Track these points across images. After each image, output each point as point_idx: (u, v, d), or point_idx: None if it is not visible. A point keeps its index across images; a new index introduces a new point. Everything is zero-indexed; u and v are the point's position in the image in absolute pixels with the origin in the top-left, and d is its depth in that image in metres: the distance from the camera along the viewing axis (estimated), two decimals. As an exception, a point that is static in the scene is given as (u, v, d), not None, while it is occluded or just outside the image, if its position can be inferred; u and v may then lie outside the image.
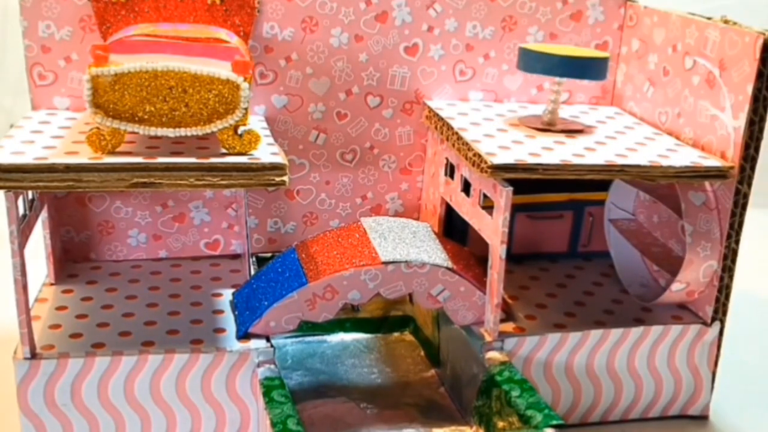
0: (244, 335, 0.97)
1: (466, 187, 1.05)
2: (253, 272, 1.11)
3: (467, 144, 1.01)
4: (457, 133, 1.05)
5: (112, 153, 0.88)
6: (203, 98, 0.87)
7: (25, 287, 0.89)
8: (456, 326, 1.04)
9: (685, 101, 1.08)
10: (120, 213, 1.16)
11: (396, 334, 1.21)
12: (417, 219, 1.23)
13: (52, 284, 1.10)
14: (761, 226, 1.40)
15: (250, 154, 0.91)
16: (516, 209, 1.08)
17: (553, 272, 1.21)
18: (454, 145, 1.05)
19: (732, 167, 0.99)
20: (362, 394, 1.06)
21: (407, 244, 1.01)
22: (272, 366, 0.95)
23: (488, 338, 0.99)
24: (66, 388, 0.92)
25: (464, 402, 1.03)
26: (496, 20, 1.18)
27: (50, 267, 1.10)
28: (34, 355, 0.91)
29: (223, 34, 1.01)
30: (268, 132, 1.04)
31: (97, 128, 0.88)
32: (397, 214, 1.25)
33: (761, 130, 0.98)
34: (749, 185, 1.00)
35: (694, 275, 1.03)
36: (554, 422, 0.86)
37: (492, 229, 0.97)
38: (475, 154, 0.98)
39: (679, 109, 1.09)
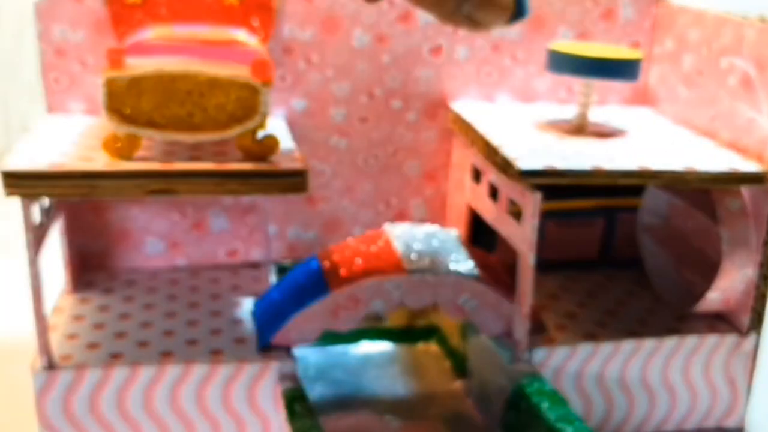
0: (265, 346, 0.96)
1: (493, 193, 1.04)
2: (273, 281, 1.10)
3: (494, 148, 0.98)
4: (483, 137, 1.03)
5: (129, 159, 0.87)
6: (221, 102, 0.86)
7: (40, 296, 0.88)
8: (483, 336, 1.02)
9: (721, 103, 1.05)
10: (137, 220, 1.15)
11: (421, 345, 1.19)
12: (442, 226, 1.21)
13: (69, 293, 1.08)
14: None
15: (270, 160, 0.89)
16: (545, 216, 1.06)
17: (584, 281, 1.19)
18: (480, 149, 1.03)
19: (770, 172, 0.96)
20: (386, 406, 1.05)
21: (432, 252, 0.99)
22: (294, 377, 0.93)
23: (517, 349, 0.97)
24: (84, 399, 0.91)
25: (492, 414, 1.01)
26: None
27: (67, 275, 1.09)
28: (51, 366, 0.90)
29: (241, 35, 0.99)
30: (288, 136, 1.02)
31: (114, 133, 0.87)
32: (421, 221, 1.23)
33: (800, 132, 0.96)
34: (788, 190, 0.97)
35: (730, 283, 1.00)
36: (586, 436, 0.84)
37: (520, 236, 0.95)
38: (502, 159, 0.95)
39: (715, 111, 1.07)
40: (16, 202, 0.86)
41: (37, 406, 0.90)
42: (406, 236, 1.02)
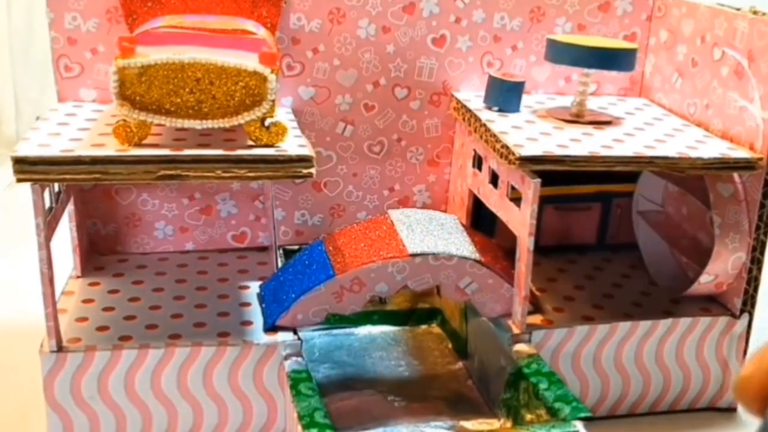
0: (271, 328, 0.97)
1: (494, 179, 1.05)
2: (280, 264, 1.11)
3: (495, 135, 1.00)
4: (484, 125, 1.04)
5: (139, 145, 0.88)
6: (230, 90, 0.87)
7: (51, 280, 0.89)
8: (484, 318, 1.03)
9: (714, 92, 1.07)
10: (147, 205, 1.17)
11: (423, 327, 1.20)
12: (445, 211, 1.22)
13: (78, 277, 1.10)
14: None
15: (277, 146, 0.90)
16: (544, 201, 1.07)
17: (581, 264, 1.21)
18: (481, 136, 1.05)
19: (761, 158, 0.98)
20: (389, 387, 1.06)
21: (435, 236, 1.00)
22: (299, 359, 0.95)
23: (516, 330, 0.99)
24: (92, 381, 0.92)
25: (492, 394, 1.02)
26: (524, 11, 1.17)
27: (77, 260, 1.10)
28: (60, 348, 0.91)
29: (250, 25, 1.00)
30: (295, 124, 1.04)
31: (124, 120, 0.88)
32: (424, 206, 1.25)
33: (792, 120, 0.98)
34: (779, 177, 0.99)
35: (723, 267, 1.02)
36: (582, 414, 0.85)
37: (520, 221, 0.97)
38: (502, 146, 0.97)
39: (708, 100, 1.08)
40: (26, 188, 0.86)
41: (46, 387, 0.92)
42: (409, 221, 1.04)
